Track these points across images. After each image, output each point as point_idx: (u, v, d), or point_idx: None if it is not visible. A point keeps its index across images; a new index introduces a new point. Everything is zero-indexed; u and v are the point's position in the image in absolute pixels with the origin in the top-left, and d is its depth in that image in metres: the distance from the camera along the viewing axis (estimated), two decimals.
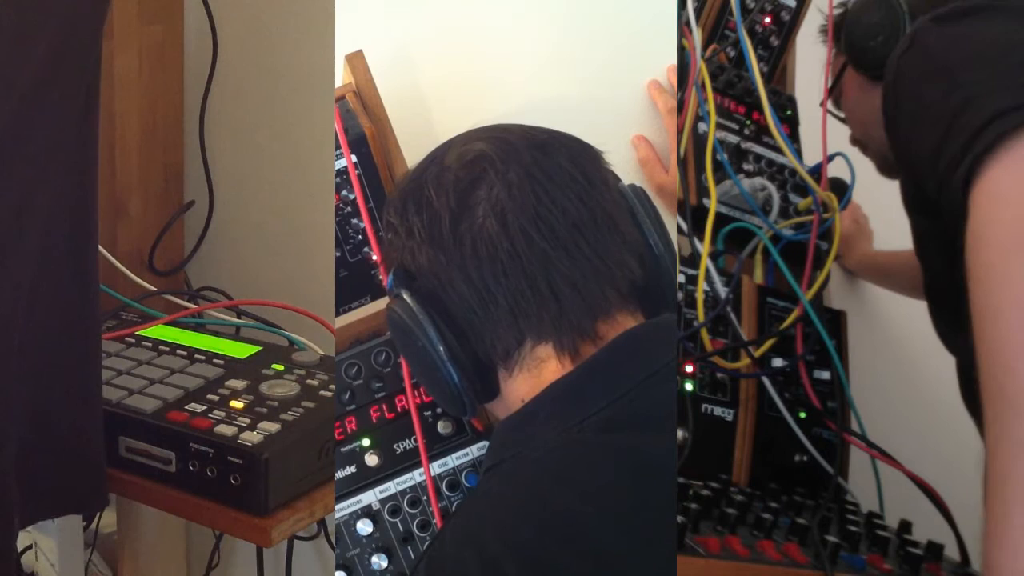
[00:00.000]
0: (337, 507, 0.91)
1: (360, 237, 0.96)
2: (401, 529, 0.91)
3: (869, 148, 1.26)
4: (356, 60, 0.99)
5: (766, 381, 1.10)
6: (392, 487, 0.91)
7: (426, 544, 0.90)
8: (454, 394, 0.81)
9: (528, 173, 0.78)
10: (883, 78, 0.95)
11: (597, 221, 0.79)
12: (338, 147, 0.94)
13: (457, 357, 0.79)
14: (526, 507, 0.71)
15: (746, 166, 1.19)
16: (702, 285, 1.07)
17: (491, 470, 0.80)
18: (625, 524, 0.68)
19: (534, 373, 0.79)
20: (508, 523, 0.70)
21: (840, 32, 1.21)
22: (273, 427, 0.94)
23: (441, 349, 0.79)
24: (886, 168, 1.24)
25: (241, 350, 1.13)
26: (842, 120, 1.27)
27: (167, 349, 1.13)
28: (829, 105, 1.28)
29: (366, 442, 0.92)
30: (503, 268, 0.77)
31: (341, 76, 1.01)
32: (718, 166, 1.15)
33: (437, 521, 0.90)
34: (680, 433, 1.03)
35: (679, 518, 0.81)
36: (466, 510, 0.80)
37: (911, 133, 0.90)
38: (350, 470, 0.91)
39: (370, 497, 0.91)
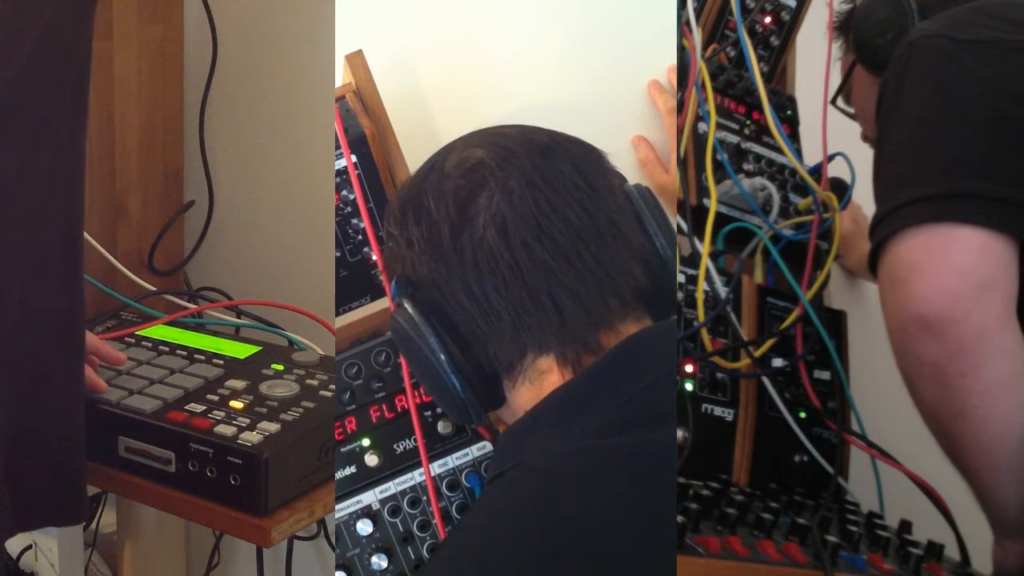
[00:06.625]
0: (337, 507, 0.90)
1: (360, 237, 0.96)
2: (401, 529, 0.91)
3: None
4: (356, 60, 0.99)
5: (766, 381, 1.10)
6: (392, 487, 0.91)
7: (426, 546, 0.90)
8: (458, 403, 0.80)
9: (529, 181, 0.77)
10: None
11: (600, 230, 0.78)
12: (338, 147, 0.94)
13: (460, 367, 0.79)
14: (528, 518, 0.70)
15: (746, 166, 1.19)
16: (702, 285, 1.07)
17: (494, 481, 0.79)
18: (626, 527, 0.68)
19: (536, 384, 0.78)
20: (509, 535, 0.70)
21: (849, 29, 1.21)
22: (273, 427, 0.94)
23: (443, 358, 0.78)
24: None
25: (241, 350, 1.13)
26: (852, 116, 1.28)
27: (167, 349, 1.13)
28: (840, 102, 1.28)
29: (366, 442, 0.92)
30: (504, 280, 0.76)
31: (341, 76, 1.01)
32: (718, 166, 1.15)
33: (437, 521, 0.90)
34: (680, 433, 1.03)
35: (679, 518, 0.81)
36: (468, 522, 0.80)
37: (879, 135, 0.98)
38: (350, 470, 0.91)
39: (370, 497, 0.91)
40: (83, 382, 0.94)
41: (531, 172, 0.78)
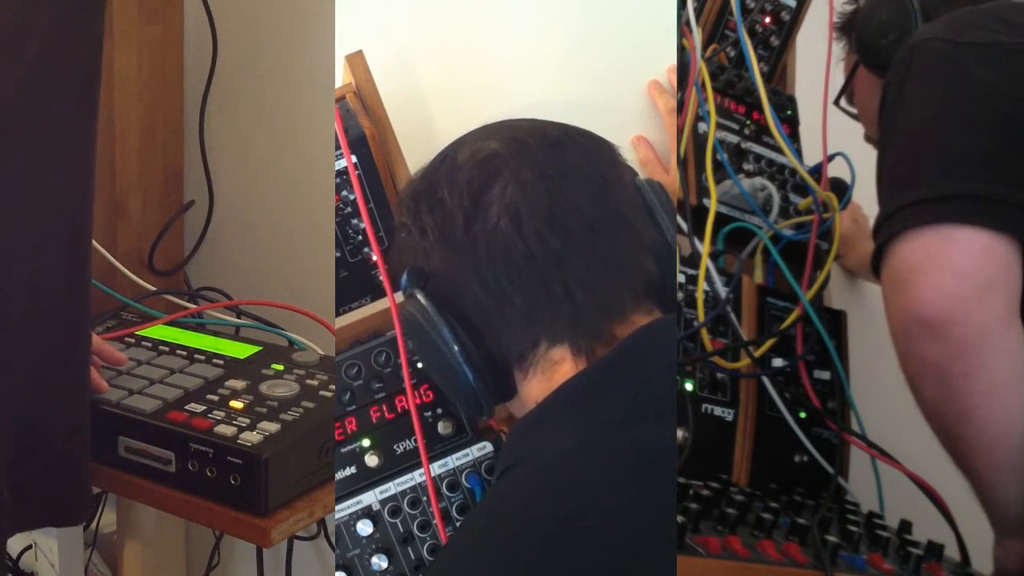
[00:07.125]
0: (337, 507, 0.90)
1: (360, 237, 0.96)
2: (401, 530, 0.91)
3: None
4: (356, 60, 0.99)
5: (766, 381, 1.10)
6: (392, 487, 0.91)
7: (427, 546, 0.90)
8: (469, 394, 0.80)
9: (542, 172, 0.78)
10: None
11: (612, 221, 0.78)
12: (338, 147, 0.94)
13: (472, 357, 0.79)
14: (532, 519, 0.70)
15: (746, 166, 1.19)
16: (702, 285, 1.07)
17: (503, 474, 0.80)
18: (629, 525, 0.68)
19: (548, 375, 0.78)
20: (514, 536, 0.70)
21: (851, 29, 1.21)
22: (273, 427, 0.94)
23: (456, 349, 0.78)
24: None
25: (241, 350, 1.13)
26: (854, 117, 1.28)
27: (167, 349, 1.13)
28: (843, 102, 1.28)
29: (366, 442, 0.92)
30: (517, 269, 0.76)
31: (341, 76, 1.01)
32: (718, 166, 1.15)
33: (437, 522, 0.90)
34: (680, 433, 1.03)
35: (679, 518, 0.81)
36: (472, 522, 0.80)
37: (882, 137, 0.98)
38: (350, 470, 0.91)
39: (370, 498, 0.91)
40: (89, 382, 0.94)
41: (544, 163, 0.78)
